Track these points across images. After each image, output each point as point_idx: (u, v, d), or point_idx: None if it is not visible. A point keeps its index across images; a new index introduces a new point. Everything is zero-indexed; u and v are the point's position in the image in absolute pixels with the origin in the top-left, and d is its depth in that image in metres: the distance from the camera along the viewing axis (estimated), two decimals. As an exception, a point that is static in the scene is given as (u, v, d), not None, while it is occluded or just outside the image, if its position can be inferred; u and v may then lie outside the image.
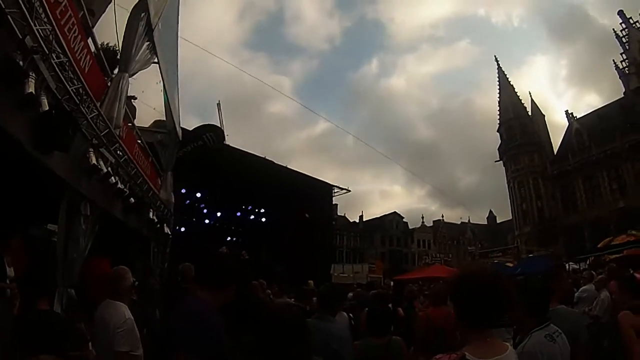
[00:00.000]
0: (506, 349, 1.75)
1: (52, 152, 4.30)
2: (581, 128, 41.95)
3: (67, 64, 4.17)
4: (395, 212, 66.01)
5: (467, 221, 70.75)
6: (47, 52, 3.59)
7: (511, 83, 51.18)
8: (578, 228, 38.65)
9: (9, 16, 3.02)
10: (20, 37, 3.21)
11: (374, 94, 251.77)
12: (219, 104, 31.59)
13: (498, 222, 71.17)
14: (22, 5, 3.04)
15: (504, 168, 49.61)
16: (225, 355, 2.42)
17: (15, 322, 3.89)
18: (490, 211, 78.62)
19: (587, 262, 18.09)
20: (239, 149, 18.95)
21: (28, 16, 3.15)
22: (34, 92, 3.49)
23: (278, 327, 2.05)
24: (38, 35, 3.38)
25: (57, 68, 3.92)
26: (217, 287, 2.57)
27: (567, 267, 17.91)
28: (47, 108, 3.81)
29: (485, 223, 75.40)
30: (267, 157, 18.70)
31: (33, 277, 3.34)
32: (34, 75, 3.51)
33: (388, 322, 3.84)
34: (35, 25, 3.31)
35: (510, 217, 49.91)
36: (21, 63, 3.25)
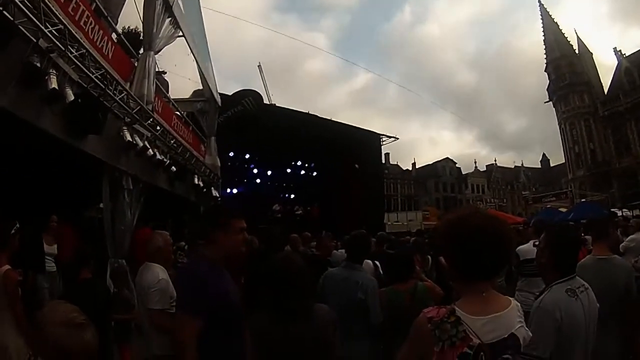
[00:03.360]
0: (507, 305, 1.56)
1: (86, 137, 4.82)
2: (631, 66, 38.08)
3: (87, 54, 4.53)
4: (447, 157, 64.59)
5: (520, 165, 68.22)
6: (63, 48, 3.95)
7: (555, 20, 46.98)
8: (632, 172, 36.10)
9: (20, 27, 3.39)
10: (35, 40, 3.58)
11: (410, 43, 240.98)
12: (259, 66, 31.82)
13: (552, 165, 67.67)
14: (29, 14, 3.36)
15: (554, 109, 46.55)
16: (227, 311, 2.35)
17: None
18: (544, 154, 74.68)
19: None
20: (282, 107, 19.17)
21: (37, 21, 3.49)
22: (56, 87, 3.90)
23: (270, 279, 2.23)
24: (51, 36, 3.74)
25: (76, 60, 4.29)
26: (208, 239, 2.47)
27: (620, 213, 16.92)
28: (72, 98, 4.24)
29: (539, 167, 72.20)
30: (310, 112, 18.70)
31: (78, 251, 3.82)
32: (54, 71, 3.91)
33: (409, 268, 3.76)
34: (47, 27, 3.66)
35: (564, 161, 47.22)
36: (38, 64, 3.64)
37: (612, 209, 17.55)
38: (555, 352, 2.00)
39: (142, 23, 6.56)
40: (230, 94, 14.55)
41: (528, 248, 4.79)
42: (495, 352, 1.45)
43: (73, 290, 3.58)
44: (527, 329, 1.58)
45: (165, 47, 7.32)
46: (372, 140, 21.88)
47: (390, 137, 22.58)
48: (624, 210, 18.26)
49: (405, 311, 3.14)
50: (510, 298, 1.62)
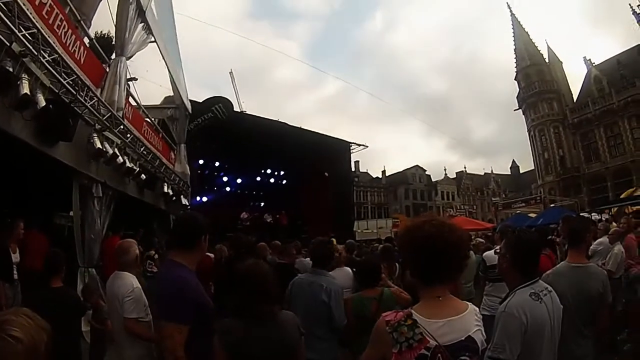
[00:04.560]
0: (463, 309, 1.62)
1: (56, 143, 4.70)
2: (600, 75, 39.80)
3: (60, 59, 4.44)
4: (417, 165, 64.86)
5: (490, 171, 69.60)
6: (36, 53, 3.86)
7: (525, 30, 48.90)
8: (601, 178, 37.55)
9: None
10: (8, 44, 3.49)
11: (381, 51, 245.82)
12: (231, 73, 31.71)
13: (521, 171, 69.60)
14: (3, 16, 3.27)
15: (523, 117, 48.34)
16: (206, 316, 2.39)
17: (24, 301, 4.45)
18: (513, 161, 77.20)
19: (610, 213, 17.75)
20: (252, 115, 19.06)
21: (10, 24, 3.40)
22: (28, 92, 3.80)
23: (237, 285, 2.27)
24: (25, 40, 3.65)
25: (49, 65, 4.19)
26: (186, 248, 2.51)
27: (590, 217, 17.69)
28: (44, 104, 4.13)
29: (509, 173, 74.24)
30: (280, 120, 18.66)
31: (47, 259, 3.68)
32: (26, 76, 3.81)
33: (375, 275, 3.87)
34: (21, 31, 3.57)
35: (533, 167, 48.99)
36: (11, 69, 3.54)
37: (581, 213, 18.27)
38: (522, 354, 2.04)
39: (115, 28, 6.45)
40: (201, 100, 14.37)
41: (493, 254, 4.97)
42: (452, 354, 1.51)
43: (43, 298, 3.45)
44: (483, 333, 1.63)
45: (137, 53, 7.23)
46: (341, 148, 22.02)
47: (359, 144, 22.79)
48: (592, 214, 19.07)
49: (371, 317, 3.14)
50: (467, 302, 1.69)
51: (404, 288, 4.42)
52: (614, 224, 9.37)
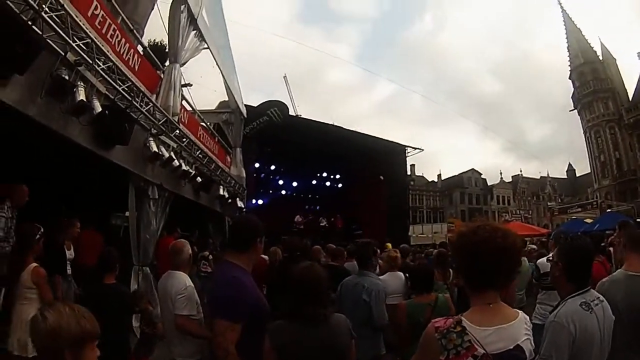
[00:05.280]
0: (514, 317, 1.59)
1: (113, 147, 4.95)
2: None
3: (114, 67, 4.66)
4: (473, 168, 63.34)
5: (546, 175, 66.06)
6: (90, 61, 4.07)
7: (578, 27, 45.95)
8: None
9: (48, 40, 3.52)
10: (63, 54, 3.71)
11: (431, 51, 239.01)
12: (285, 77, 32.20)
13: (578, 175, 65.52)
14: (57, 28, 3.48)
15: (579, 117, 45.40)
16: (261, 316, 2.46)
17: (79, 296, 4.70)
18: (570, 164, 72.31)
19: None
20: (307, 119, 19.23)
21: (64, 35, 3.61)
22: (84, 99, 4.03)
23: (293, 287, 2.31)
24: (79, 49, 3.87)
25: (103, 73, 4.42)
26: (242, 249, 2.59)
27: None
28: (100, 110, 4.36)
29: (565, 176, 69.80)
30: (334, 124, 18.64)
31: (101, 257, 3.87)
32: (82, 83, 4.04)
33: (428, 281, 3.88)
34: (75, 41, 3.79)
35: (589, 170, 45.84)
36: (66, 77, 3.76)
37: (638, 220, 16.85)
38: None
39: (167, 35, 6.73)
40: (256, 105, 14.69)
41: (546, 261, 4.71)
42: None
43: (96, 294, 3.61)
44: (532, 342, 1.58)
45: (191, 59, 7.48)
46: (397, 151, 21.64)
47: (415, 148, 22.29)
48: None
49: (425, 323, 3.18)
50: (518, 310, 1.66)
51: (457, 294, 4.49)
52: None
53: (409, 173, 35.06)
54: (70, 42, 3.73)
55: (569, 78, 46.42)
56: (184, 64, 7.08)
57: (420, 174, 61.05)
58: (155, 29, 8.83)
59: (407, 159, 22.93)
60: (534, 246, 8.57)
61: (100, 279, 3.66)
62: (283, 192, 22.86)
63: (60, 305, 1.43)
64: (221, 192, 9.50)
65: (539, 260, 5.01)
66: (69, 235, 5.31)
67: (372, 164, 20.30)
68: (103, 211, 7.37)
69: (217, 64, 9.17)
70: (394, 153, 21.46)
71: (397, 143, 21.82)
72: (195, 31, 7.23)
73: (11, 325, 3.59)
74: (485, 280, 1.60)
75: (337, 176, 23.42)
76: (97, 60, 4.24)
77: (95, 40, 4.12)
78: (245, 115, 12.27)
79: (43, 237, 3.81)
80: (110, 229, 7.50)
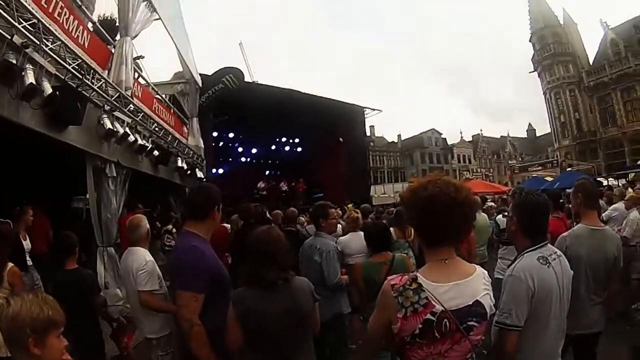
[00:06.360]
0: (471, 272, 1.58)
1: (66, 128, 4.87)
2: (617, 38, 38.32)
3: (63, 46, 4.54)
4: (433, 128, 64.20)
5: (506, 135, 68.60)
6: (38, 42, 3.97)
7: None
8: (618, 143, 36.92)
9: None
10: (9, 37, 3.61)
11: (392, 12, 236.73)
12: (241, 44, 31.40)
13: (538, 135, 68.51)
14: (1, 11, 3.38)
15: (539, 80, 46.90)
16: (223, 285, 2.48)
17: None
18: (530, 124, 75.54)
19: (627, 179, 17.35)
20: (264, 84, 18.94)
21: (10, 18, 3.51)
22: (34, 81, 3.93)
23: (250, 253, 2.27)
24: (25, 31, 3.76)
25: (52, 53, 4.31)
26: (200, 219, 2.59)
27: (606, 182, 17.35)
28: (50, 91, 4.26)
29: (525, 136, 73.00)
30: (292, 88, 18.44)
31: (57, 242, 3.85)
32: (30, 66, 3.94)
33: (385, 239, 3.84)
34: (21, 23, 3.68)
35: (550, 130, 47.87)
36: (14, 61, 3.66)
37: (597, 179, 18.01)
38: (529, 319, 2.02)
39: (118, 8, 6.50)
40: (210, 73, 14.37)
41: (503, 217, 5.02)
42: (459, 319, 1.49)
43: (58, 281, 3.60)
44: (492, 297, 1.60)
45: (143, 31, 7.27)
46: (355, 113, 21.73)
47: (373, 109, 22.50)
48: (609, 179, 18.67)
49: (381, 282, 3.23)
50: (475, 266, 1.65)
51: (418, 252, 4.44)
52: (630, 189, 9.27)
53: (368, 134, 35.49)
54: (16, 24, 3.62)
55: (529, 41, 47.39)
56: (135, 36, 6.88)
57: (381, 135, 61.78)
58: (106, 3, 8.45)
59: (367, 120, 23.19)
60: (491, 204, 8.78)
61: (61, 265, 3.61)
62: (243, 159, 22.78)
63: (25, 294, 1.51)
64: (180, 163, 9.38)
65: (497, 216, 5.26)
66: (23, 225, 5.22)
67: (331, 126, 20.34)
68: (63, 196, 7.22)
69: (169, 34, 8.92)
70: (353, 115, 21.51)
71: (356, 105, 21.93)
72: (145, 2, 7.01)
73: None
74: (438, 235, 1.58)
75: (297, 140, 23.43)
76: (44, 40, 4.12)
77: (42, 20, 4.00)
78: (201, 85, 12.02)
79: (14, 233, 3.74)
80: (72, 213, 7.39)
